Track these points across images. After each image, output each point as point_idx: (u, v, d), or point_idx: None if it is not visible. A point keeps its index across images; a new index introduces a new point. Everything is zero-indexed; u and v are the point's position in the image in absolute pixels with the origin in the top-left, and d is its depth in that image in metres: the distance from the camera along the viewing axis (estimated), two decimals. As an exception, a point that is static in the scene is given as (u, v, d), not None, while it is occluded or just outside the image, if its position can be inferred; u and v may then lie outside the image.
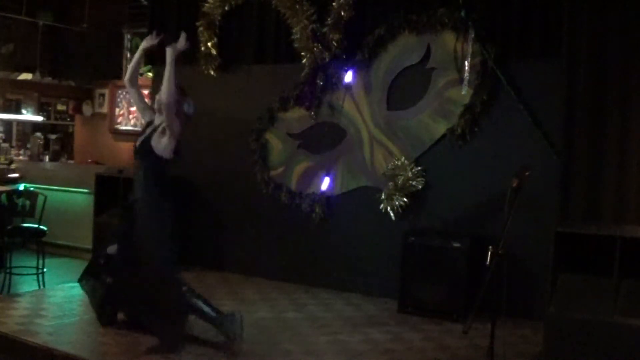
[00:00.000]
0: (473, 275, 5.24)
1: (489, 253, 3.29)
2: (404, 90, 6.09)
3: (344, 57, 6.26)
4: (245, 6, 6.85)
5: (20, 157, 9.74)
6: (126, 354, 4.23)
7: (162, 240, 4.38)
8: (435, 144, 5.93)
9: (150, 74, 8.35)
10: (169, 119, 4.35)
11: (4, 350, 4.41)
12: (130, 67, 4.88)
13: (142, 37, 8.67)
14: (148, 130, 4.54)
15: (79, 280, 4.81)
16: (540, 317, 4.70)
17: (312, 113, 6.48)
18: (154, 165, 4.46)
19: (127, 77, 4.84)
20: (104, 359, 4.19)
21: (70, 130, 10.27)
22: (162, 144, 4.41)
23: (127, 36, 9.33)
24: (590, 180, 4.88)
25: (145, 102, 4.92)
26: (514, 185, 3.43)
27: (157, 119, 4.52)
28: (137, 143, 4.55)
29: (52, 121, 10.23)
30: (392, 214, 5.96)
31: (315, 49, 6.27)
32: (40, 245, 6.90)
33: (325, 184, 6.36)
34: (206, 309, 4.45)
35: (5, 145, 9.81)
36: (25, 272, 6.84)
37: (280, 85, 6.71)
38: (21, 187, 8.18)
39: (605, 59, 4.86)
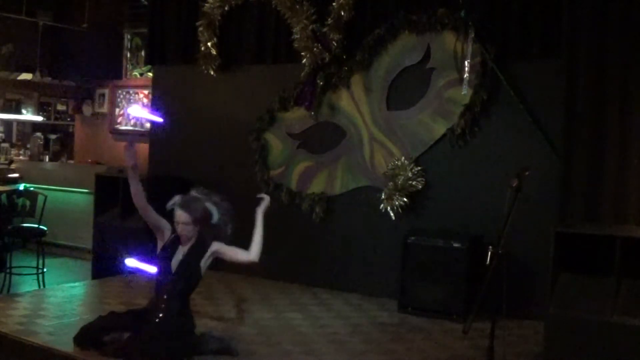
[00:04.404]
0: (473, 275, 5.24)
1: (489, 253, 3.29)
2: (404, 90, 6.09)
3: (344, 57, 6.26)
4: (245, 6, 6.85)
5: (20, 157, 9.74)
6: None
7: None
8: (435, 143, 5.93)
9: (150, 74, 8.35)
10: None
11: (4, 350, 4.41)
12: (133, 192, 4.25)
13: (142, 37, 8.74)
14: (182, 253, 4.26)
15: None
16: (540, 317, 4.70)
17: (312, 113, 6.48)
18: (193, 286, 4.34)
19: (139, 204, 4.26)
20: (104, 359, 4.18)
21: (70, 130, 10.27)
22: (206, 265, 4.28)
23: (127, 36, 9.32)
24: (590, 180, 4.87)
25: (159, 220, 4.36)
26: (514, 185, 3.43)
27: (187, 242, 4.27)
28: (175, 266, 4.23)
29: (52, 121, 10.22)
30: (392, 214, 5.96)
31: (315, 49, 6.27)
32: (40, 245, 6.91)
33: None
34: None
35: (5, 145, 9.81)
36: (25, 272, 6.85)
37: (280, 85, 6.71)
38: (21, 187, 8.19)
39: (605, 59, 4.86)
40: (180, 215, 4.22)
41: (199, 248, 4.29)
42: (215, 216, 4.35)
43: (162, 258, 4.30)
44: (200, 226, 4.27)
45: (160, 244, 4.38)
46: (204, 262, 4.30)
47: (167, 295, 4.21)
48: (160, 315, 4.16)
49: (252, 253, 4.46)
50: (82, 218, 7.84)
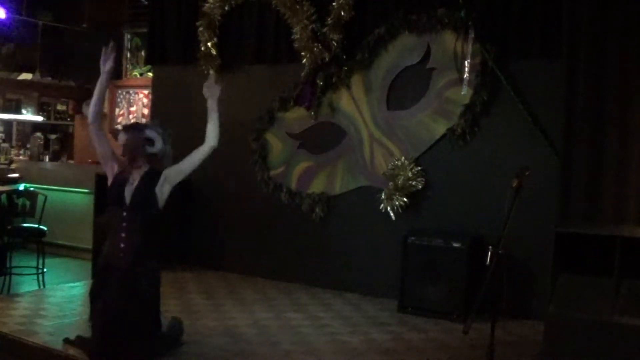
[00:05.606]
0: (473, 275, 5.24)
1: (489, 253, 3.29)
2: (404, 90, 6.09)
3: (344, 57, 6.26)
4: (245, 6, 6.85)
5: (20, 157, 9.75)
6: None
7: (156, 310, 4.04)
8: (435, 144, 5.93)
9: (150, 74, 8.35)
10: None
11: (4, 350, 4.41)
12: (93, 101, 4.16)
13: (142, 37, 8.73)
14: (135, 181, 4.03)
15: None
16: (540, 317, 4.70)
17: (312, 113, 6.48)
18: (153, 218, 4.03)
19: (91, 116, 4.16)
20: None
21: (70, 130, 10.26)
22: (164, 194, 4.04)
23: (127, 36, 9.33)
24: (590, 180, 4.87)
25: (110, 149, 4.26)
26: (514, 185, 3.43)
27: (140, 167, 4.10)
28: (129, 196, 3.98)
29: (52, 121, 10.23)
30: (392, 214, 5.96)
31: (315, 49, 6.27)
32: (40, 245, 6.91)
33: None
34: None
35: (5, 145, 9.81)
36: (25, 272, 6.84)
37: (280, 85, 6.71)
38: (21, 187, 8.19)
39: (605, 59, 4.86)
40: (121, 137, 4.14)
41: (152, 175, 4.06)
42: (159, 144, 4.16)
43: (114, 187, 4.07)
44: (140, 149, 4.09)
45: (110, 179, 4.14)
46: (160, 189, 4.04)
47: (125, 232, 3.93)
48: (123, 265, 3.88)
49: (209, 140, 4.24)
50: (82, 218, 7.82)
